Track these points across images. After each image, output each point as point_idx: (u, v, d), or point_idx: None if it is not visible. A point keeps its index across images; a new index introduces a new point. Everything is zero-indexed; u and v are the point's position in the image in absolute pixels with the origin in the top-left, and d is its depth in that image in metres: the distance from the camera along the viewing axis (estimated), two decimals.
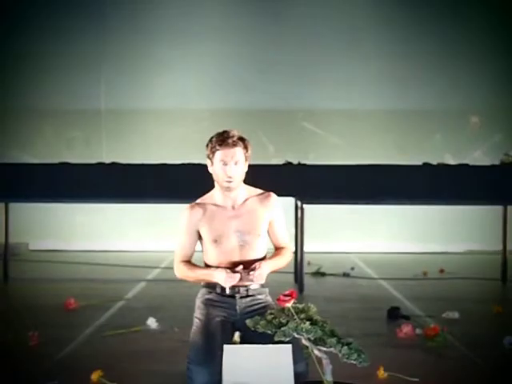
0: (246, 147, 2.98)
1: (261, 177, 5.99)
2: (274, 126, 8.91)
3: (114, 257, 7.94)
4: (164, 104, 8.86)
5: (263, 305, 3.04)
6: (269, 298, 3.10)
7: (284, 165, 6.55)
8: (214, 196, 3.07)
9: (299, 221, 5.83)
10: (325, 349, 2.63)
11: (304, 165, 6.51)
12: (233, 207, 3.02)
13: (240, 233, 2.99)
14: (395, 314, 4.46)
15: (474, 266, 7.39)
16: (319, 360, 2.68)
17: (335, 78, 8.87)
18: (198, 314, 3.03)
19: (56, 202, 7.31)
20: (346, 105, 8.88)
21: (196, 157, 7.04)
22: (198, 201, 3.10)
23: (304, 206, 5.73)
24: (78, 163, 6.45)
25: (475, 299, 5.32)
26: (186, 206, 3.06)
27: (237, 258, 2.98)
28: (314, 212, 6.46)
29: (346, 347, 2.62)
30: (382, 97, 8.84)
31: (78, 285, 5.89)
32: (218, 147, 2.94)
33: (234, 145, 2.93)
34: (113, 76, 8.84)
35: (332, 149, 8.82)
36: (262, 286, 3.11)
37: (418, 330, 3.96)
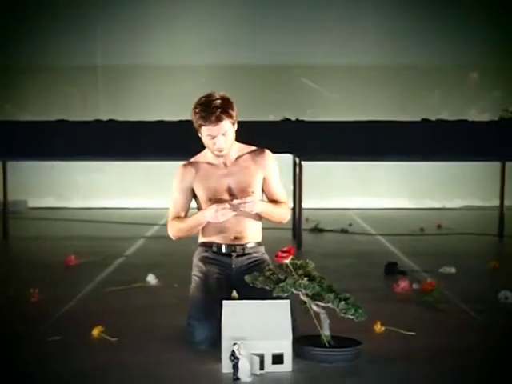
0: (231, 115, 2.90)
1: (258, 133, 6.00)
2: (271, 82, 8.84)
3: (113, 214, 7.96)
4: (161, 60, 8.76)
5: (259, 262, 3.06)
6: (265, 256, 3.12)
7: (282, 121, 6.51)
8: (207, 154, 3.04)
9: (297, 178, 5.83)
10: (322, 304, 2.67)
11: (302, 121, 6.48)
12: (225, 165, 3.01)
13: (233, 190, 2.98)
14: (392, 270, 4.50)
15: (471, 221, 7.43)
16: (317, 315, 2.72)
17: (334, 33, 8.75)
18: (195, 271, 3.05)
19: (53, 160, 7.30)
20: (345, 60, 8.79)
21: None
22: (192, 159, 3.09)
23: (302, 162, 5.72)
24: (75, 120, 6.41)
25: (472, 254, 5.36)
26: (179, 164, 3.04)
27: (232, 221, 2.98)
28: (312, 169, 6.45)
29: (343, 302, 2.66)
30: (380, 52, 8.74)
31: (77, 242, 5.92)
32: (201, 122, 2.88)
33: (219, 119, 2.86)
34: (109, 32, 8.72)
35: (330, 105, 8.77)
36: (259, 244, 3.13)
37: (414, 285, 4.00)
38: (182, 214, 3.05)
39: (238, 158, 3.03)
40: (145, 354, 2.77)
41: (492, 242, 6.09)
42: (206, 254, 3.07)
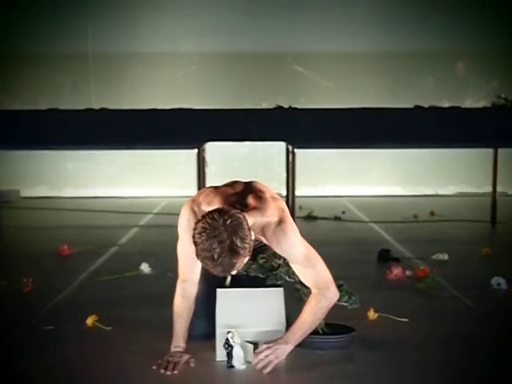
0: (244, 260, 2.28)
1: (251, 121, 6.00)
2: (264, 69, 8.80)
3: (106, 203, 7.95)
4: (153, 48, 8.71)
5: (264, 246, 3.03)
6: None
7: (275, 109, 6.49)
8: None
9: (290, 165, 5.83)
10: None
11: (295, 109, 6.47)
12: None
13: None
14: (385, 257, 4.51)
15: (464, 208, 7.45)
16: None
17: (326, 20, 8.72)
18: None
19: (45, 149, 7.26)
20: (338, 47, 8.76)
21: (186, 101, 7.00)
22: (203, 206, 2.48)
23: (295, 150, 5.71)
24: (66, 109, 6.38)
25: (465, 241, 5.38)
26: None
27: None
28: (306, 156, 6.45)
29: None
30: (373, 39, 8.71)
31: (70, 231, 5.91)
32: (211, 271, 2.27)
33: (230, 271, 2.28)
34: (100, 20, 8.65)
35: (323, 92, 8.75)
36: None
37: (407, 272, 4.01)
38: (188, 277, 2.59)
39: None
40: (138, 343, 2.77)
41: (485, 229, 6.11)
42: None
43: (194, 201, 2.54)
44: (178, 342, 2.57)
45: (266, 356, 2.43)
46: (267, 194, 2.53)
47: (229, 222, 2.20)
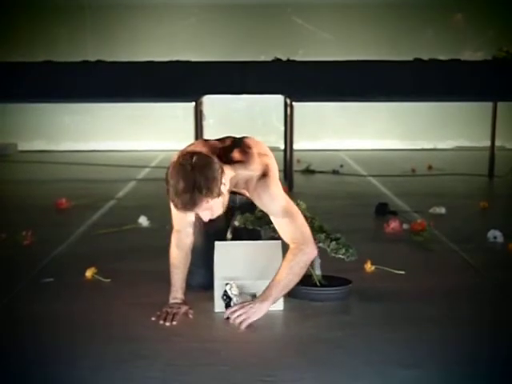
0: (211, 195, 2.26)
1: (249, 74, 5.93)
2: (262, 21, 8.69)
3: (103, 157, 7.93)
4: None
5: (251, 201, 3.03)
6: None
7: (273, 61, 6.41)
8: None
9: (288, 118, 5.80)
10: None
11: (293, 61, 6.39)
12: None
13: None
14: (383, 210, 4.53)
15: (462, 162, 7.45)
16: None
17: None
18: None
19: (41, 102, 7.21)
20: None
21: (184, 54, 6.92)
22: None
23: (293, 103, 5.67)
24: (62, 61, 6.29)
25: (462, 195, 5.40)
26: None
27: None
28: (304, 110, 6.41)
29: (334, 242, 2.68)
30: None
31: (68, 185, 5.91)
32: (176, 207, 2.31)
33: (193, 205, 2.27)
34: None
35: (322, 45, 8.65)
36: None
37: (405, 225, 4.04)
38: (182, 227, 2.62)
39: (236, 195, 2.64)
40: (138, 295, 2.80)
41: (482, 183, 6.12)
42: None
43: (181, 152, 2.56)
44: (176, 293, 2.60)
45: (238, 316, 2.42)
46: (254, 149, 2.54)
47: (196, 161, 2.25)
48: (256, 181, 2.45)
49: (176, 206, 2.29)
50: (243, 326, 2.41)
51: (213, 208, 2.32)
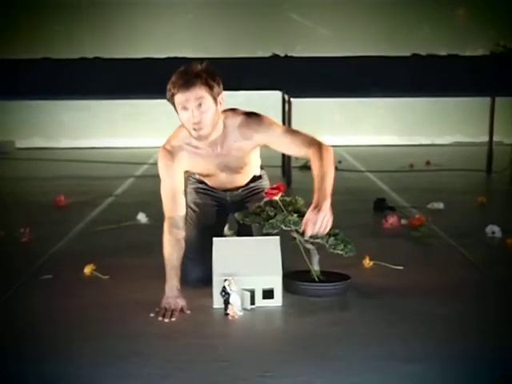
0: (208, 84, 2.48)
1: (247, 70, 5.93)
2: (260, 17, 8.67)
3: (101, 154, 7.92)
4: None
5: (256, 191, 3.04)
6: (264, 182, 3.10)
7: (271, 57, 6.41)
8: (192, 139, 2.65)
9: (286, 115, 5.79)
10: (312, 240, 2.69)
11: (291, 57, 6.39)
12: (213, 150, 2.70)
13: (228, 169, 2.82)
14: (381, 206, 4.53)
15: (460, 157, 7.46)
16: (306, 251, 2.75)
17: None
18: (190, 203, 3.05)
19: (39, 99, 7.20)
20: None
21: (181, 50, 6.90)
22: (174, 142, 2.68)
23: (291, 99, 5.67)
24: (60, 58, 6.28)
25: (460, 190, 5.40)
26: (159, 150, 2.68)
27: (226, 181, 2.93)
28: (302, 106, 6.40)
29: (332, 238, 2.69)
30: None
31: (66, 182, 5.90)
32: (174, 90, 2.49)
33: (191, 84, 2.45)
34: None
35: (320, 40, 8.64)
36: (255, 176, 3.08)
37: (403, 221, 4.04)
38: (177, 210, 2.67)
39: (225, 138, 2.67)
40: (137, 291, 2.80)
41: (480, 178, 6.12)
42: (200, 185, 3.06)
43: (166, 142, 2.71)
44: (173, 280, 2.58)
45: (320, 226, 2.50)
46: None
47: (204, 65, 2.53)
48: (247, 120, 2.63)
49: (173, 87, 2.47)
50: (327, 229, 2.51)
51: (204, 102, 2.47)
